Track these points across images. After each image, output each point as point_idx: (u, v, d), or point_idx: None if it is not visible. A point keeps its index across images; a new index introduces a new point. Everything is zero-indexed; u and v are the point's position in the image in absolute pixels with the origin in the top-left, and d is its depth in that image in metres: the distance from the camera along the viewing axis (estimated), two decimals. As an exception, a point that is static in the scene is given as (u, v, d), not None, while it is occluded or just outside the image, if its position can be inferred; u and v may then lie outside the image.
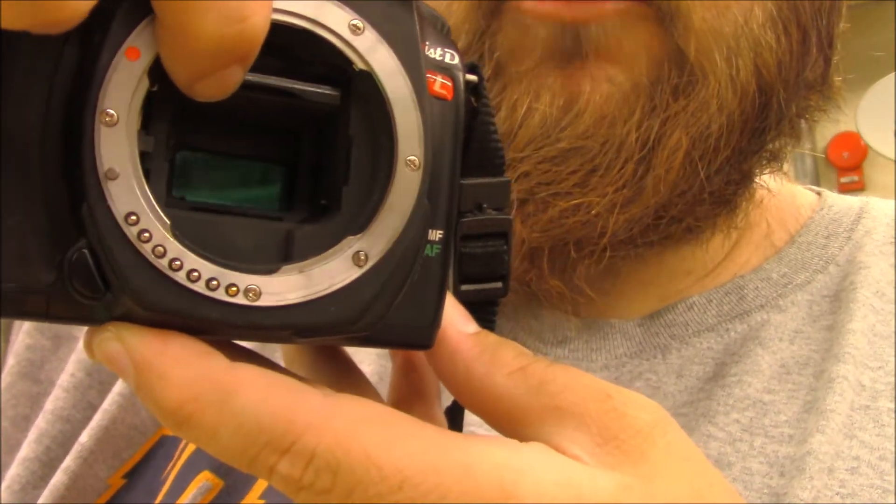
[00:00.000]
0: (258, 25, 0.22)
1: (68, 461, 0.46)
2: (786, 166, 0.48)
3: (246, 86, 0.24)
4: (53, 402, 0.49)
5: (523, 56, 0.41)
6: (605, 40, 0.39)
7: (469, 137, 0.29)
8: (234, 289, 0.24)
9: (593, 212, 0.40)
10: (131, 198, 0.23)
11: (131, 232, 0.23)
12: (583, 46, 0.40)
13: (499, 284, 0.30)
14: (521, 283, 0.44)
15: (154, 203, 0.24)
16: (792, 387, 0.44)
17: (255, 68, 0.24)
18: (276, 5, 0.24)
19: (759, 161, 0.45)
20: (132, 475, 0.46)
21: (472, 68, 0.29)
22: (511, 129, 0.40)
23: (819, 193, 0.53)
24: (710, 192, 0.43)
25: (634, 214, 0.41)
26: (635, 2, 0.39)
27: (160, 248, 0.23)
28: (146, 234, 0.23)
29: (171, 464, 0.45)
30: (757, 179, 0.46)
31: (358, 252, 0.25)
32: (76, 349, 0.50)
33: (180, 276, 0.23)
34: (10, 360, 0.51)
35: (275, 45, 0.24)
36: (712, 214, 0.45)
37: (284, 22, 0.24)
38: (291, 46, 0.25)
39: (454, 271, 0.29)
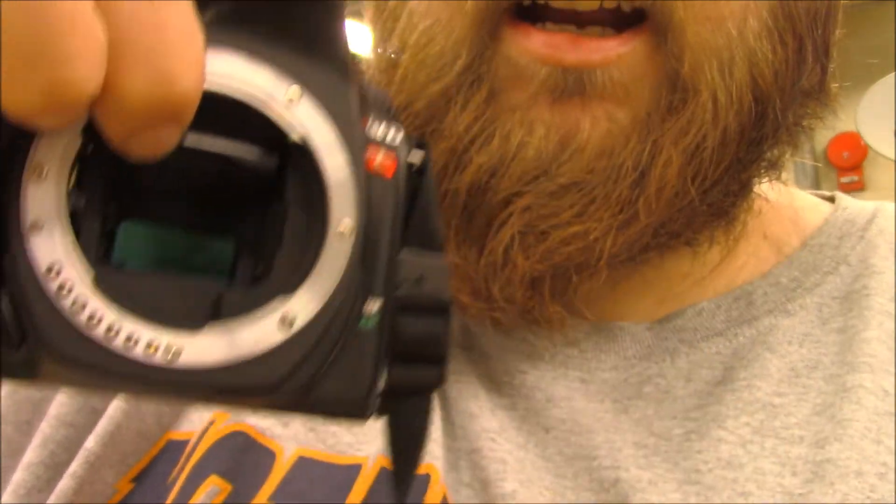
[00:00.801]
0: (189, 88, 0.22)
1: (75, 466, 0.47)
2: (785, 166, 0.48)
3: (182, 149, 0.24)
4: (57, 407, 0.49)
5: (519, 88, 0.41)
6: (611, 85, 0.40)
7: (410, 214, 0.29)
8: (153, 347, 0.23)
9: (591, 237, 0.41)
10: (54, 250, 0.23)
11: (51, 285, 0.23)
12: (586, 89, 0.40)
13: (435, 370, 0.29)
14: (524, 311, 0.45)
15: (77, 257, 0.23)
16: (801, 389, 0.44)
17: (192, 130, 0.24)
18: (211, 69, 0.24)
19: (757, 170, 0.45)
20: (139, 480, 0.47)
21: (419, 145, 0.29)
22: (503, 160, 0.41)
23: (833, 199, 0.53)
24: (709, 205, 0.43)
25: (632, 235, 0.42)
26: (636, 34, 0.39)
27: (79, 303, 0.23)
28: (66, 288, 0.23)
29: (177, 468, 0.45)
30: (756, 189, 0.47)
31: (285, 315, 0.25)
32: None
33: (97, 333, 0.23)
34: None
35: (210, 109, 0.24)
36: (710, 226, 0.45)
37: (217, 91, 0.24)
38: (227, 114, 0.25)
39: (388, 352, 0.28)
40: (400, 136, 0.28)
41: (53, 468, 0.48)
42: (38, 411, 0.50)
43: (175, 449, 0.47)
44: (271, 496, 0.43)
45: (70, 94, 0.21)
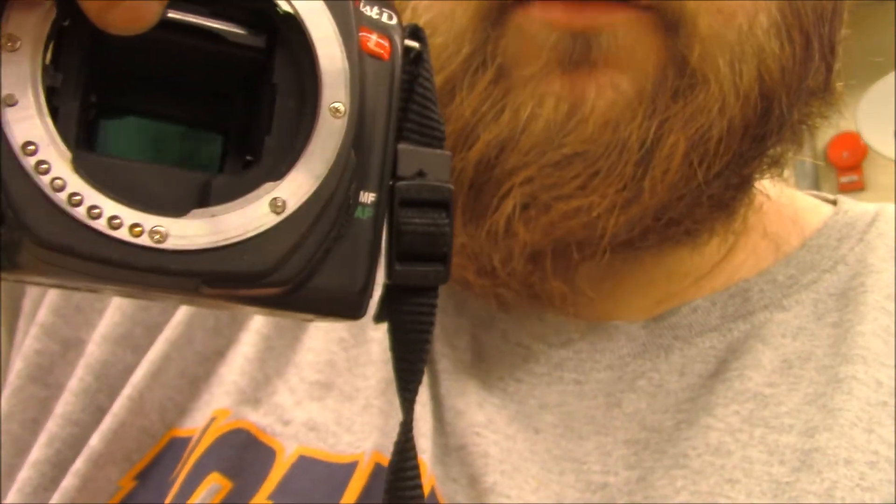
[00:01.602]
0: None
1: (78, 464, 0.47)
2: (786, 168, 0.48)
3: (165, 24, 0.23)
4: (63, 405, 0.49)
5: (528, 61, 0.41)
6: (615, 49, 0.39)
7: (408, 106, 0.27)
8: (139, 229, 0.22)
9: (594, 213, 0.41)
10: (31, 127, 0.22)
11: (28, 162, 0.22)
12: (592, 54, 0.40)
13: (440, 267, 0.28)
14: (525, 286, 0.45)
15: (55, 134, 0.22)
16: (793, 380, 0.44)
17: (176, 7, 0.23)
18: None
19: (759, 166, 0.45)
20: (143, 477, 0.47)
21: (414, 33, 0.28)
22: (513, 134, 0.40)
23: (835, 202, 0.54)
24: (710, 196, 0.43)
25: (634, 215, 0.41)
26: (644, 12, 0.39)
27: (59, 181, 0.22)
28: (44, 166, 0.22)
29: (179, 465, 0.46)
30: (757, 185, 0.47)
31: (276, 198, 0.24)
32: (85, 353, 0.50)
33: (79, 212, 0.22)
34: (19, 364, 0.51)
35: None
36: (711, 218, 0.45)
37: None
38: None
39: (389, 247, 0.27)
40: (395, 19, 0.27)
41: (59, 466, 0.48)
42: (44, 409, 0.50)
43: (178, 446, 0.47)
44: (271, 495, 0.43)
45: None
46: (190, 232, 0.23)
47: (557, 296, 0.45)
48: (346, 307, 0.26)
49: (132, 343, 0.50)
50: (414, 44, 0.28)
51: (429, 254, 0.28)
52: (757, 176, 0.46)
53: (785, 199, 0.51)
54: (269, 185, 0.24)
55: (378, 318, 0.29)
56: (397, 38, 0.27)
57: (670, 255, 0.48)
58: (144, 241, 0.22)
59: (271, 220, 0.24)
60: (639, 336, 0.47)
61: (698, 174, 0.41)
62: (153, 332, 0.50)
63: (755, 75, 0.41)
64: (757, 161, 0.44)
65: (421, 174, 0.27)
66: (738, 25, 0.40)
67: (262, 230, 0.24)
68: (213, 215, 0.23)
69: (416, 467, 0.31)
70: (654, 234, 0.44)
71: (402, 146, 0.27)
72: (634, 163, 0.40)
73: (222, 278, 0.23)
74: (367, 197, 0.26)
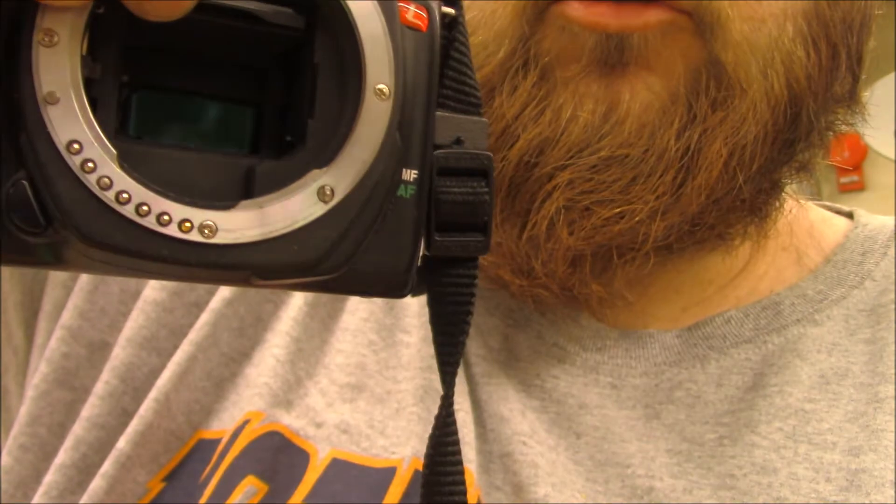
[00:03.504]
0: None
1: (106, 466, 0.47)
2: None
3: (203, 7, 0.22)
4: (89, 409, 0.49)
5: (569, 62, 0.41)
6: (646, 50, 0.40)
7: (444, 72, 0.27)
8: (188, 224, 0.22)
9: (636, 219, 0.41)
10: (74, 125, 0.22)
11: (74, 161, 0.21)
12: (625, 55, 0.40)
13: (480, 237, 0.27)
14: (564, 289, 0.45)
15: (99, 131, 0.22)
16: (832, 396, 0.45)
17: None
18: None
19: (788, 171, 0.46)
20: (171, 478, 0.47)
21: (449, 1, 0.27)
22: (554, 134, 0.41)
23: (851, 214, 0.54)
24: (742, 200, 0.44)
25: (674, 221, 0.42)
26: (677, 13, 0.40)
27: (106, 180, 0.22)
28: (90, 164, 0.22)
29: (209, 467, 0.46)
30: (786, 190, 0.47)
31: (323, 187, 0.23)
32: (111, 357, 0.50)
33: (128, 210, 0.22)
34: (44, 368, 0.52)
35: None
36: (744, 222, 0.45)
37: None
38: None
39: (429, 218, 0.27)
40: None
41: (85, 470, 0.48)
42: (70, 413, 0.50)
43: (206, 448, 0.47)
44: (306, 497, 0.43)
45: None
46: (239, 225, 0.23)
47: (596, 299, 0.45)
48: (392, 286, 0.26)
49: (157, 346, 0.50)
50: (450, 10, 0.27)
51: (469, 223, 0.27)
52: (786, 181, 0.47)
53: (798, 211, 0.52)
54: (315, 172, 0.23)
55: (416, 292, 0.29)
56: (434, 8, 0.26)
57: (699, 260, 0.48)
58: (194, 236, 0.22)
59: (319, 209, 0.23)
60: (673, 345, 0.48)
61: (736, 180, 0.42)
62: (178, 334, 0.51)
63: (784, 82, 0.41)
64: (786, 166, 0.45)
65: (459, 142, 0.27)
66: (768, 32, 0.41)
67: (310, 220, 0.23)
68: (260, 206, 0.23)
69: (457, 452, 0.31)
70: (690, 238, 0.44)
71: (439, 113, 0.26)
72: (675, 170, 0.41)
73: (273, 270, 0.23)
74: (410, 174, 0.26)
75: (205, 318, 0.50)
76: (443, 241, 0.27)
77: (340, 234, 0.24)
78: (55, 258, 0.23)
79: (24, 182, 0.21)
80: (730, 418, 0.45)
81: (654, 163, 0.41)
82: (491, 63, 0.42)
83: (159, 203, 0.22)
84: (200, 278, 0.24)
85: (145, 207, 0.22)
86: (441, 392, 0.30)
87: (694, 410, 0.46)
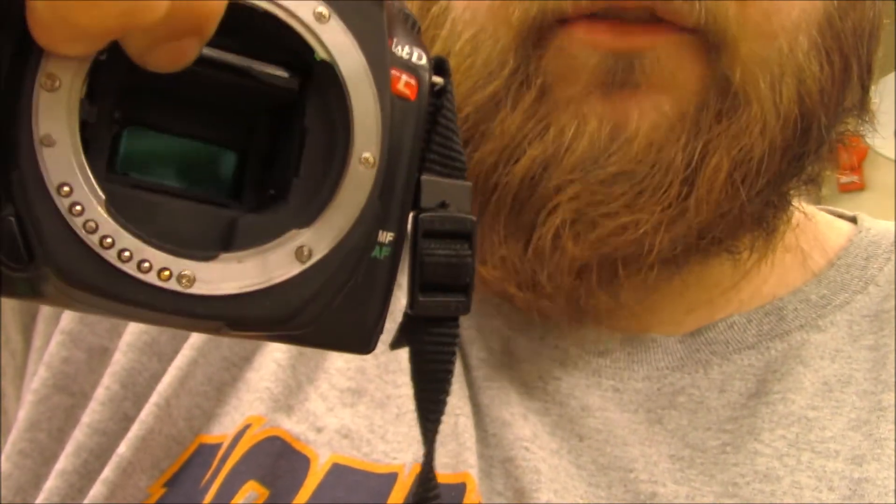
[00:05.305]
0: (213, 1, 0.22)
1: (107, 472, 0.47)
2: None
3: (202, 60, 0.23)
4: (90, 414, 0.49)
5: (569, 82, 0.41)
6: (658, 71, 0.40)
7: (431, 138, 0.28)
8: (167, 273, 0.23)
9: (641, 230, 0.41)
10: (66, 168, 0.22)
11: (63, 203, 0.22)
12: (635, 75, 0.40)
13: (461, 297, 0.28)
14: (570, 300, 0.45)
15: (90, 176, 0.22)
16: (835, 403, 0.45)
17: (213, 44, 0.23)
18: None
19: (797, 184, 0.45)
20: (171, 484, 0.47)
21: (439, 66, 0.28)
22: (558, 151, 0.41)
23: (854, 219, 0.54)
24: (750, 214, 0.43)
25: (679, 233, 0.42)
26: (686, 34, 0.40)
27: (91, 224, 0.22)
28: (78, 208, 0.22)
29: (210, 472, 0.46)
30: (794, 203, 0.47)
31: (301, 247, 0.24)
32: (111, 362, 0.50)
33: (110, 255, 0.22)
34: (44, 373, 0.51)
35: (235, 24, 0.23)
36: (751, 235, 0.45)
37: (246, 2, 0.23)
38: (252, 28, 0.24)
39: (413, 279, 0.28)
40: (424, 57, 0.27)
41: (86, 476, 0.48)
42: (70, 418, 0.50)
43: (207, 452, 0.47)
44: (307, 502, 0.43)
45: (144, 16, 0.20)
46: (217, 277, 0.23)
47: (603, 309, 0.45)
48: (357, 343, 0.27)
49: (157, 350, 0.50)
50: (439, 79, 0.28)
51: (451, 284, 0.28)
52: (794, 193, 0.46)
53: (820, 218, 0.52)
54: (294, 231, 0.24)
55: (395, 345, 0.30)
56: (425, 77, 0.27)
57: (706, 268, 0.48)
58: (172, 285, 0.23)
59: (296, 267, 0.24)
60: (676, 350, 0.48)
61: (741, 193, 0.41)
62: (178, 339, 0.50)
63: (795, 96, 0.41)
64: (795, 179, 0.45)
65: (443, 205, 0.28)
66: (779, 47, 0.41)
67: (286, 277, 0.24)
68: (239, 261, 0.24)
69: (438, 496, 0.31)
70: (697, 252, 0.44)
71: (425, 177, 0.27)
72: (679, 182, 0.41)
73: (245, 323, 0.24)
74: (386, 237, 0.26)
75: None
76: (426, 302, 0.28)
77: (314, 293, 0.24)
78: (33, 292, 0.23)
79: (12, 218, 0.22)
80: (732, 425, 0.45)
81: (660, 177, 0.41)
82: (496, 81, 0.42)
83: (141, 250, 0.23)
84: (173, 324, 0.25)
85: (127, 253, 0.22)
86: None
87: (696, 416, 0.46)
